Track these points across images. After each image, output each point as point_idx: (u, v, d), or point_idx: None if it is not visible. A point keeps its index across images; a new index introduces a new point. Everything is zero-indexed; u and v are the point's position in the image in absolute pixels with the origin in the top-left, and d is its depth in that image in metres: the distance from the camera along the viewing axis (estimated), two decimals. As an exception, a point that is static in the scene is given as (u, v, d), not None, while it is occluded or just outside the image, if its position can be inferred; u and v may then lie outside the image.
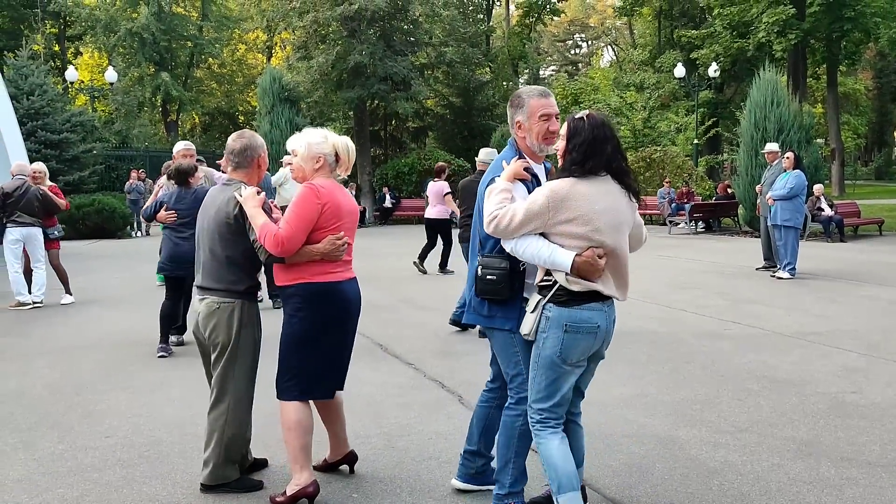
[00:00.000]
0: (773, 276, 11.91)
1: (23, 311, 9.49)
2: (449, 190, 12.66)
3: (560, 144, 3.34)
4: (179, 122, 44.41)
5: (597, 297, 3.25)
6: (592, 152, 3.23)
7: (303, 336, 3.75)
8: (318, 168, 3.85)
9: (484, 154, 8.64)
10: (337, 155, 3.93)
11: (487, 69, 36.68)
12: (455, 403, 5.58)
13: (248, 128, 43.84)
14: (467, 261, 8.23)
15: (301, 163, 3.87)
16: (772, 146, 13.07)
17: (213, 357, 3.97)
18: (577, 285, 3.20)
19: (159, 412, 5.40)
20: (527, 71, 35.36)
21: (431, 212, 12.91)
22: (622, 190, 3.29)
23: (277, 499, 3.79)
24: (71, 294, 10.09)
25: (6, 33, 37.87)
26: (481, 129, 31.72)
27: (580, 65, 67.65)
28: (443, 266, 12.78)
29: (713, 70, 32.35)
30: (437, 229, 12.85)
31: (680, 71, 32.13)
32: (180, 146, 7.81)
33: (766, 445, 4.63)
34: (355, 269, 3.99)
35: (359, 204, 27.82)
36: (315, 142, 3.88)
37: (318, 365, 3.81)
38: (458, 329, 8.06)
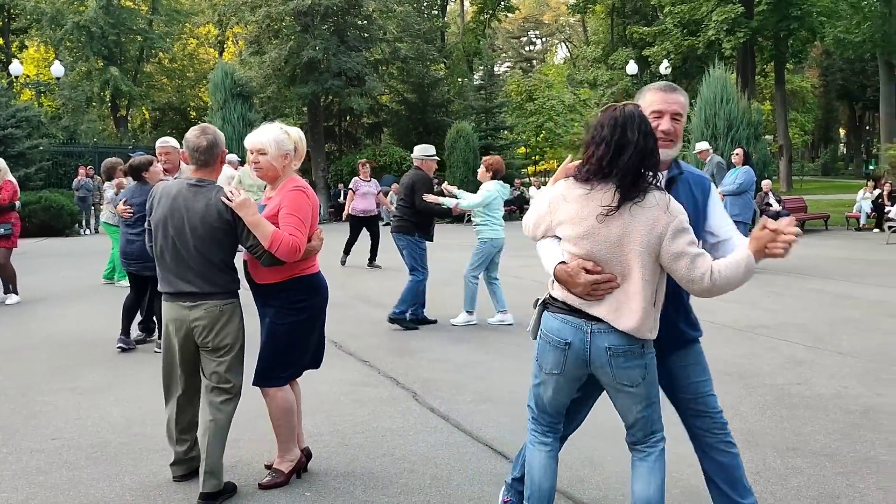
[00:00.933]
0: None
1: (-35, 312, 9.25)
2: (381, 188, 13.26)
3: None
4: (129, 118, 43.65)
5: (575, 310, 2.92)
6: (604, 156, 2.82)
7: (301, 327, 3.97)
8: (286, 165, 3.94)
9: (419, 150, 8.62)
10: (295, 148, 4.02)
11: (442, 65, 36.72)
12: (409, 400, 5.58)
13: (200, 122, 43.32)
14: (402, 254, 8.27)
15: (272, 161, 3.88)
16: (701, 145, 13.50)
17: (215, 359, 3.80)
18: (559, 292, 2.97)
19: (107, 413, 5.30)
20: (482, 67, 35.44)
21: (358, 207, 13.44)
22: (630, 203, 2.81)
23: (278, 480, 4.01)
24: (17, 294, 9.85)
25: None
26: (436, 126, 31.73)
27: (534, 61, 68.05)
28: (371, 261, 13.37)
29: (664, 67, 32.79)
30: (364, 224, 13.48)
31: (632, 68, 32.54)
32: (159, 142, 7.49)
33: (715, 437, 4.70)
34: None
35: (313, 200, 28.07)
36: (282, 139, 3.94)
37: (306, 350, 4.06)
38: (400, 328, 8.08)
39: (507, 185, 8.51)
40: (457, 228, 22.78)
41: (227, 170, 10.36)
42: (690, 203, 3.01)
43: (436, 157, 8.70)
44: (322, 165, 29.03)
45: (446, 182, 8.93)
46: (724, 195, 12.11)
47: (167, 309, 3.82)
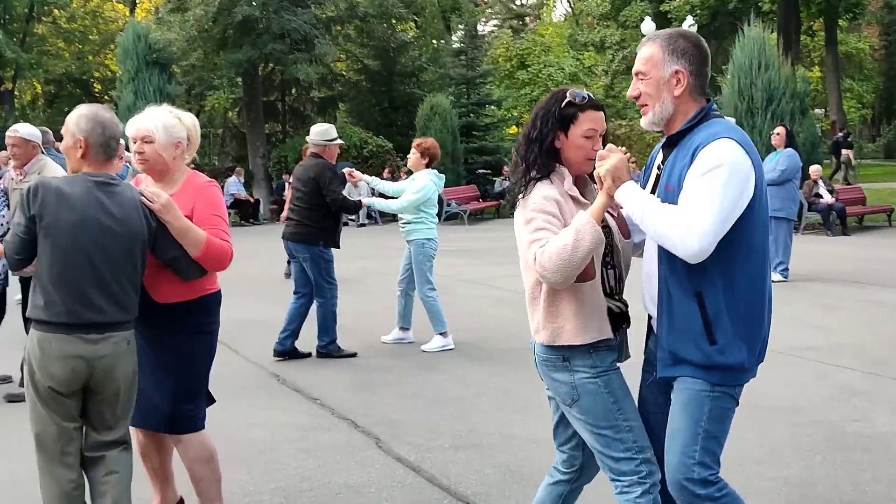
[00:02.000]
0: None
1: None
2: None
3: None
4: (17, 93, 43.31)
5: None
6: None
7: (211, 351, 4.14)
8: (177, 156, 4.01)
9: (318, 134, 8.39)
10: (188, 136, 4.08)
11: (412, 24, 36.80)
12: (371, 447, 5.59)
13: (105, 99, 43.23)
14: (302, 268, 8.21)
15: (160, 151, 3.92)
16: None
17: (110, 404, 3.77)
18: None
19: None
20: (461, 26, 35.53)
21: None
22: None
23: None
24: None
25: None
26: (405, 99, 31.79)
27: (527, 19, 68.36)
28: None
29: (688, 25, 33.07)
30: None
31: (648, 26, 32.72)
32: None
33: (753, 488, 4.74)
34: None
35: (251, 196, 27.65)
36: (172, 124, 3.99)
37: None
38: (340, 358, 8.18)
39: (443, 176, 8.60)
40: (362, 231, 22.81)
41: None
42: (675, 175, 3.13)
43: (340, 142, 8.62)
44: (261, 151, 28.98)
45: (353, 169, 8.71)
46: (762, 185, 12.22)
47: (62, 344, 3.62)
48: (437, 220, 8.56)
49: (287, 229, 8.30)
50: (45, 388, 3.64)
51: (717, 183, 2.92)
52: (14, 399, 6.74)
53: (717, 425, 3.10)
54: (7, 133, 7.13)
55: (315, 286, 8.15)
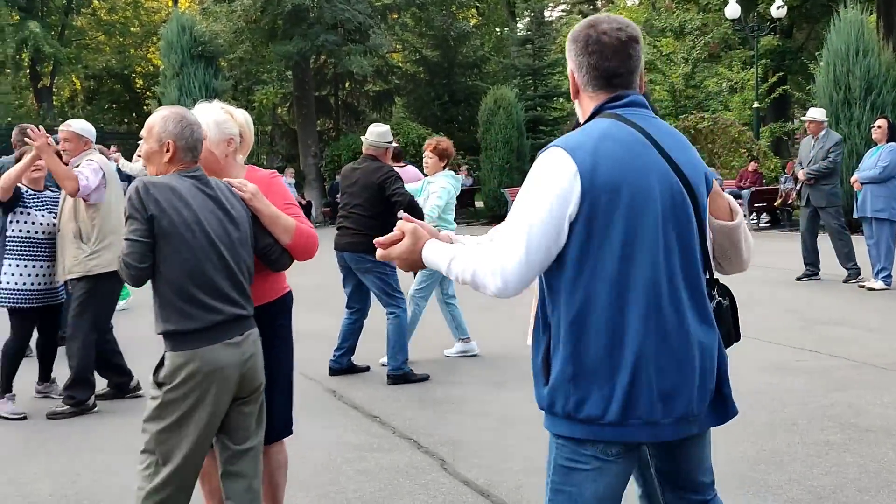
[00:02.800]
0: (863, 287, 12.03)
1: None
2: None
3: None
4: (55, 89, 44.22)
5: None
6: None
7: (292, 352, 4.33)
8: (229, 153, 4.11)
9: (377, 135, 8.22)
10: (240, 133, 4.18)
11: (474, 11, 36.87)
12: (435, 469, 5.60)
13: (148, 95, 43.92)
14: (363, 283, 8.15)
15: (212, 149, 4.02)
16: (814, 113, 13.23)
17: (248, 409, 3.92)
18: None
19: (33, 490, 5.40)
20: (527, 13, 35.48)
21: None
22: None
23: None
24: None
25: None
26: (467, 93, 31.86)
27: (599, 3, 68.04)
28: None
29: (777, 7, 32.65)
30: None
31: (733, 10, 32.40)
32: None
33: (855, 518, 4.68)
34: (292, 285, 4.34)
35: (302, 196, 27.80)
36: (222, 120, 4.07)
37: None
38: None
39: (460, 177, 8.61)
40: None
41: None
42: None
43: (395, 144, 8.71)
44: (313, 149, 29.24)
45: None
46: (862, 183, 12.03)
47: (213, 355, 3.70)
48: (454, 224, 8.57)
49: (342, 240, 8.08)
50: (200, 413, 3.69)
51: (518, 205, 2.72)
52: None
53: (562, 479, 2.80)
54: (60, 128, 7.38)
55: (381, 301, 7.98)
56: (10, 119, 30.62)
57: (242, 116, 4.24)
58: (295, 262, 4.08)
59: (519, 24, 39.34)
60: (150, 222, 3.62)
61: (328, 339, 8.45)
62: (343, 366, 8.18)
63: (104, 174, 7.04)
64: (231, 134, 4.10)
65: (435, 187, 8.36)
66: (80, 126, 7.29)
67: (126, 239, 3.66)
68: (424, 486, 5.30)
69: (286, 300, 4.27)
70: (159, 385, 3.72)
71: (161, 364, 3.73)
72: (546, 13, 46.19)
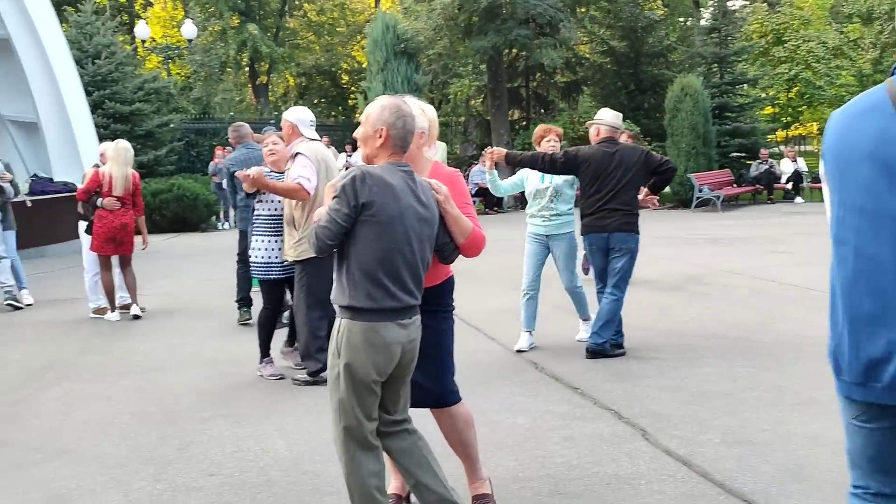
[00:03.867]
0: None
1: (102, 322, 10.11)
2: None
3: None
4: (270, 86, 45.92)
5: None
6: None
7: (453, 330, 4.47)
8: (420, 145, 4.28)
9: (615, 117, 8.08)
10: (429, 127, 4.35)
11: (659, 3, 36.14)
12: (637, 439, 5.59)
13: (353, 90, 45.05)
14: (618, 262, 7.95)
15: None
16: None
17: (403, 376, 4.05)
18: None
19: (269, 446, 5.68)
20: (711, 3, 34.51)
21: None
22: None
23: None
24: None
25: (66, -16, 40.28)
26: (653, 81, 31.26)
27: (782, -9, 65.42)
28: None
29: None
30: None
31: (924, -7, 30.61)
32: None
33: None
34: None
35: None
36: (415, 114, 4.15)
37: None
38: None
39: None
40: (500, 219, 22.42)
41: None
42: None
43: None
44: (505, 138, 29.36)
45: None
46: None
47: (387, 332, 3.85)
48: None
49: (611, 221, 7.72)
50: (366, 379, 3.84)
51: None
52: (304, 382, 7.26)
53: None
54: (283, 117, 7.68)
55: (617, 280, 7.78)
56: (232, 113, 31.96)
57: (431, 112, 4.39)
58: None
59: (704, 14, 38.31)
60: (356, 210, 3.77)
61: (516, 314, 8.35)
62: (604, 345, 7.80)
63: (317, 161, 7.08)
64: (422, 128, 4.25)
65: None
66: (293, 115, 7.46)
67: (328, 214, 3.82)
68: (627, 454, 5.30)
69: (449, 283, 4.43)
70: (335, 352, 3.91)
71: (337, 332, 3.90)
72: (729, 3, 44.84)
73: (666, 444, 5.46)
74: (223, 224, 23.89)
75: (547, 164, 7.69)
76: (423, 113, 4.29)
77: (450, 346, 4.41)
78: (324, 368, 7.18)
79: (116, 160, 9.96)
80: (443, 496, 4.03)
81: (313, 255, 7.01)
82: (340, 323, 3.87)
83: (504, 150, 7.68)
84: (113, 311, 10.20)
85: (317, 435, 5.84)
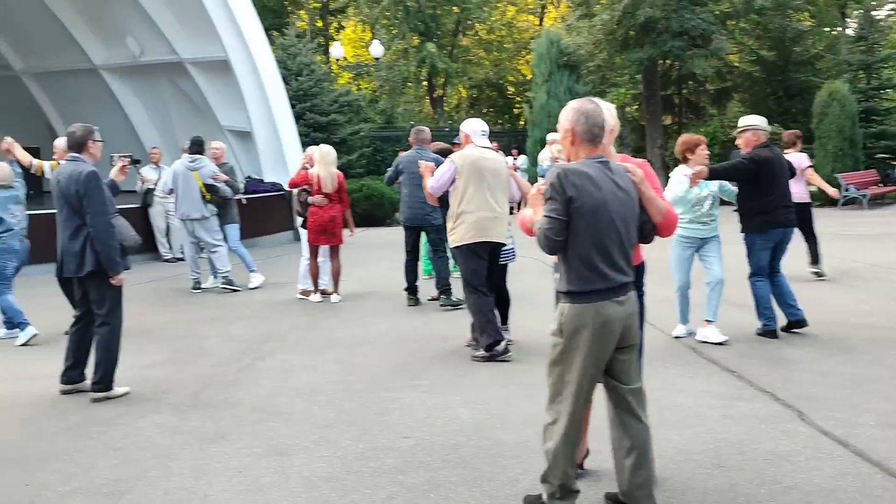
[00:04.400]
0: None
1: (307, 303, 10.48)
2: (810, 163, 11.26)
3: None
4: (445, 98, 46.44)
5: None
6: None
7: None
8: (610, 142, 4.25)
9: (765, 122, 7.98)
10: (614, 126, 4.30)
11: (806, 14, 34.59)
12: (793, 419, 5.41)
13: (518, 100, 45.05)
14: (766, 258, 7.70)
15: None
16: None
17: (628, 350, 3.97)
18: None
19: (455, 414, 5.77)
20: (857, 13, 32.75)
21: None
22: None
23: None
24: (329, 294, 10.83)
25: (272, 12, 41.77)
26: (800, 88, 29.98)
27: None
28: (815, 262, 11.07)
29: None
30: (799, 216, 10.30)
31: None
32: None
33: None
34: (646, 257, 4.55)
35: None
36: (604, 113, 4.13)
37: None
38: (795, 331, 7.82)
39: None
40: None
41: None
42: None
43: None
44: (659, 142, 28.79)
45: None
46: None
47: (605, 310, 3.81)
48: None
49: (791, 216, 7.81)
50: (586, 358, 3.82)
51: None
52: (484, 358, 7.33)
53: None
54: (461, 127, 7.88)
55: (778, 263, 7.93)
56: (412, 122, 32.49)
57: (615, 111, 4.31)
58: None
59: (850, 24, 36.42)
60: (567, 204, 3.78)
61: (669, 303, 8.17)
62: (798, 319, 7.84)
63: (461, 166, 7.35)
64: (611, 125, 4.19)
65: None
66: (468, 126, 7.74)
67: (546, 216, 3.84)
68: (786, 433, 5.13)
69: (642, 267, 4.46)
70: (557, 332, 3.90)
71: (560, 315, 3.89)
72: (876, 13, 42.47)
73: (822, 424, 5.26)
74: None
75: (748, 173, 7.57)
76: (610, 112, 4.23)
77: (643, 325, 4.37)
78: (496, 343, 7.29)
79: (322, 162, 10.29)
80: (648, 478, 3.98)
81: (459, 244, 7.33)
82: (562, 306, 3.88)
83: (705, 170, 7.36)
84: (316, 293, 10.56)
85: (496, 405, 5.90)
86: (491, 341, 7.27)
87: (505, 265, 7.89)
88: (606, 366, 3.92)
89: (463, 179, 7.34)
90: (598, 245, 3.81)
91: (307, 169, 10.42)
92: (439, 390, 6.38)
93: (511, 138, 30.70)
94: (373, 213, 23.23)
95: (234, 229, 11.94)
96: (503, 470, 4.67)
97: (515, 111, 45.25)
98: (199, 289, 11.62)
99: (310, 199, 10.25)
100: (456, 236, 7.35)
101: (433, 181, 7.50)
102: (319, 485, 4.59)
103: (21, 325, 8.51)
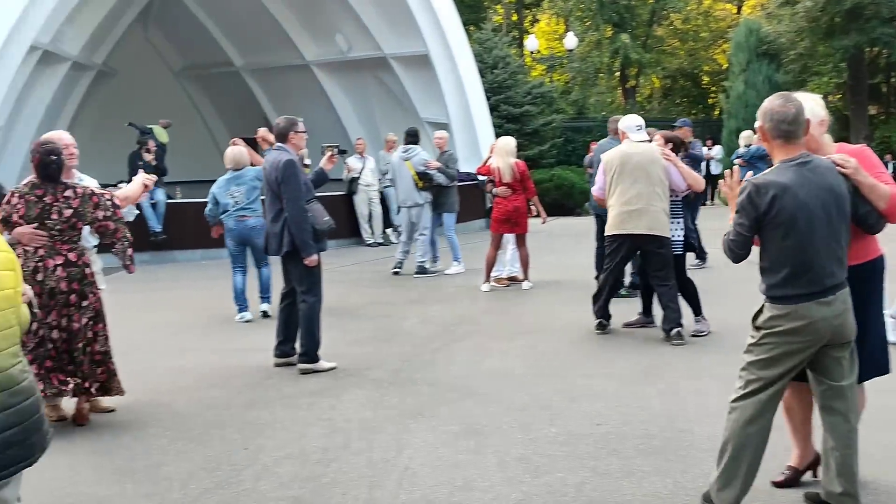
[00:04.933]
0: None
1: (499, 289, 10.54)
2: None
3: None
4: (637, 88, 45.53)
5: None
6: None
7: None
8: (822, 132, 4.09)
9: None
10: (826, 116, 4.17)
11: None
12: None
13: (712, 90, 43.55)
14: None
15: (811, 130, 3.93)
16: None
17: (840, 349, 3.80)
18: None
19: (647, 404, 5.67)
20: None
21: None
22: None
23: None
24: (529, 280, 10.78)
25: (469, 7, 42.24)
26: None
27: None
28: None
29: None
30: None
31: None
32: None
33: None
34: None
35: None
36: (816, 105, 4.05)
37: None
38: None
39: None
40: None
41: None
42: None
43: None
44: (863, 132, 27.09)
45: None
46: None
47: (809, 312, 3.68)
48: None
49: None
50: (780, 356, 3.72)
51: None
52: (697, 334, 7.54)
53: None
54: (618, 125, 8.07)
55: None
56: (604, 113, 32.12)
57: (821, 102, 4.17)
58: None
59: None
60: (757, 221, 3.72)
61: None
62: None
63: (609, 163, 7.57)
64: (820, 116, 4.06)
65: None
66: (623, 123, 7.93)
67: (734, 227, 3.82)
68: None
69: (879, 262, 4.10)
70: (757, 328, 3.81)
71: (760, 311, 3.80)
72: None
73: None
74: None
75: None
76: (818, 104, 4.09)
77: (878, 323, 4.11)
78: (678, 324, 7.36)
79: (499, 153, 10.37)
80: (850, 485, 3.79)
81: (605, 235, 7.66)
82: (764, 305, 3.80)
83: None
84: (486, 282, 10.51)
85: (690, 397, 5.76)
86: (672, 326, 7.43)
87: (680, 255, 7.71)
88: (814, 363, 3.79)
89: (609, 176, 7.56)
90: (797, 253, 3.69)
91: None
92: (632, 379, 6.28)
93: (705, 128, 29.68)
94: (562, 203, 23.15)
95: (450, 217, 12.10)
96: (697, 463, 4.55)
97: (710, 101, 43.82)
98: (398, 272, 11.94)
99: (493, 190, 10.33)
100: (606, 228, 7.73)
101: (595, 188, 7.93)
102: (513, 465, 4.63)
103: (241, 306, 9.02)
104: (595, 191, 8.00)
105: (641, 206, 7.37)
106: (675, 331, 7.32)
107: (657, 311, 7.83)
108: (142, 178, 6.10)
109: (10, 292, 2.57)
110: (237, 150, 8.94)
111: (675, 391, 5.92)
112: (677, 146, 7.91)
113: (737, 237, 3.79)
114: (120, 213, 5.60)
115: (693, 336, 7.52)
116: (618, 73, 43.32)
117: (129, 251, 5.66)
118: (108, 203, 5.51)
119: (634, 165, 7.46)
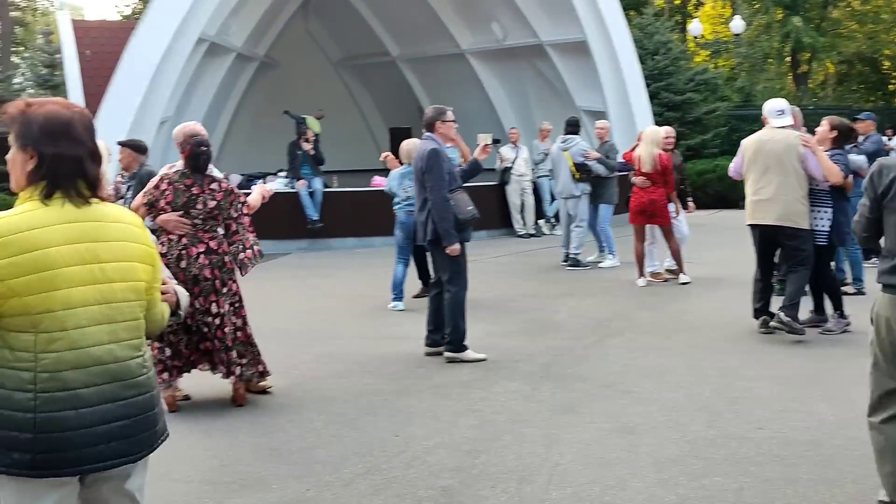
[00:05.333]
0: None
1: (655, 284, 10.32)
2: None
3: None
4: (810, 74, 43.57)
5: None
6: None
7: None
8: None
9: None
10: None
11: None
12: None
13: (893, 76, 41.18)
14: None
15: None
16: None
17: None
18: None
19: (814, 409, 5.45)
20: None
21: None
22: None
23: None
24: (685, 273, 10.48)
25: (627, -8, 41.57)
26: None
27: None
28: None
29: None
30: None
31: None
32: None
33: None
34: None
35: None
36: None
37: None
38: None
39: None
40: None
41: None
42: None
43: None
44: None
45: None
46: None
47: (881, 300, 3.70)
48: None
49: None
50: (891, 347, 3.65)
51: None
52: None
53: None
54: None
55: None
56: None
57: None
58: None
59: None
60: (877, 201, 3.66)
61: None
62: None
63: (747, 150, 7.49)
64: None
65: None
66: (765, 108, 7.67)
67: (859, 208, 3.80)
68: None
69: None
70: (871, 321, 3.79)
71: (874, 303, 3.78)
72: None
73: None
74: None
75: None
76: None
77: None
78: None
79: (645, 142, 10.19)
80: None
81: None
82: (877, 295, 3.74)
83: None
84: (640, 276, 10.31)
85: (861, 403, 5.39)
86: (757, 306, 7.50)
87: (823, 247, 7.36)
88: None
89: (746, 163, 7.45)
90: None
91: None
92: (798, 383, 6.03)
93: (885, 116, 28.05)
94: (726, 195, 22.32)
95: (607, 209, 11.93)
96: (870, 474, 4.29)
97: (891, 87, 41.48)
98: (567, 263, 11.89)
99: (632, 179, 10.16)
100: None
101: (730, 168, 7.92)
102: (668, 466, 4.53)
103: (396, 296, 9.20)
104: (730, 170, 7.94)
105: (770, 195, 7.16)
106: (776, 316, 7.10)
107: (828, 310, 7.50)
108: (260, 189, 6.32)
109: (142, 285, 2.53)
110: (412, 144, 9.09)
111: (846, 397, 5.63)
112: (844, 135, 7.49)
113: (860, 218, 3.78)
114: (245, 219, 5.80)
115: (821, 334, 7.28)
116: (788, 59, 41.57)
117: (244, 255, 5.74)
118: (240, 206, 5.76)
119: (767, 153, 7.25)
